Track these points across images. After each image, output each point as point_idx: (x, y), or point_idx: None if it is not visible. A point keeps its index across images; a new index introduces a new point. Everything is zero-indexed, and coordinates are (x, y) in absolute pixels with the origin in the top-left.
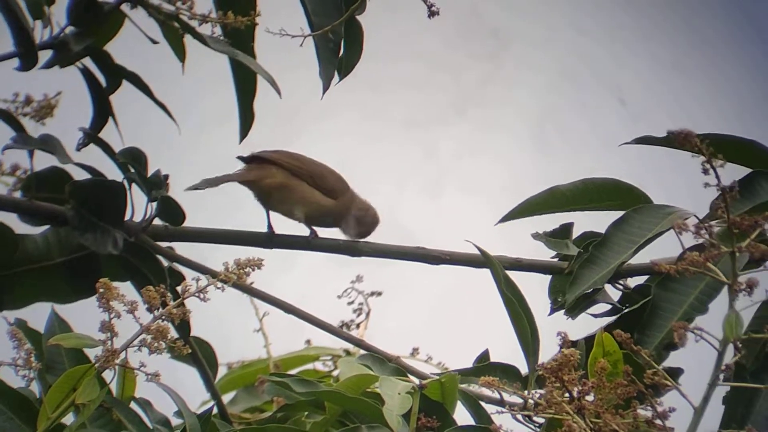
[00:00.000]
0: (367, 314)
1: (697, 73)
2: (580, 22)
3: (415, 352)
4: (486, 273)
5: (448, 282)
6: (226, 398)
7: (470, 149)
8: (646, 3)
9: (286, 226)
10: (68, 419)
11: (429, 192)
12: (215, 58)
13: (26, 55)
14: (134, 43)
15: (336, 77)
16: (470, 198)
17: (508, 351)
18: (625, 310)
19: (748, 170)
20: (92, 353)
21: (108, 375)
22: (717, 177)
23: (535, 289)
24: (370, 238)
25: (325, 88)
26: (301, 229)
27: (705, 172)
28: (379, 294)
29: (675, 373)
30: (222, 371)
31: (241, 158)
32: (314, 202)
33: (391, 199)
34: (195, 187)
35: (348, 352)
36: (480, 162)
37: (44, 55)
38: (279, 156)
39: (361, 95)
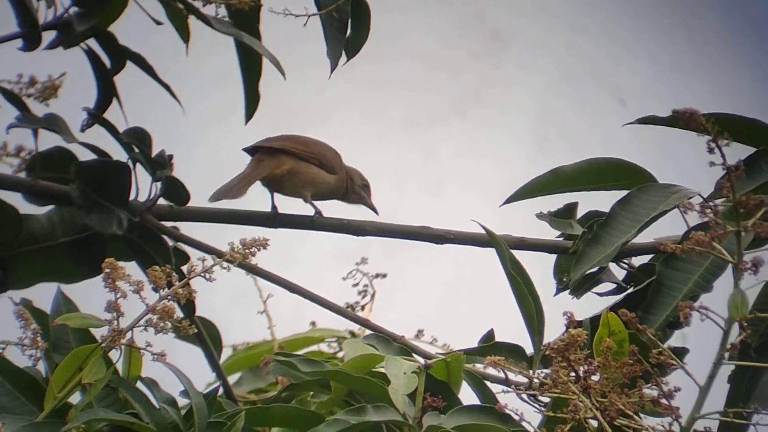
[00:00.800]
0: (372, 296)
1: (697, 73)
2: (580, 23)
3: (419, 333)
4: (489, 253)
5: (453, 263)
6: (231, 380)
7: (470, 149)
8: (646, 3)
9: (288, 205)
10: (75, 398)
11: (429, 192)
12: (221, 41)
13: (30, 35)
14: (138, 25)
15: (343, 57)
16: (470, 198)
17: (513, 331)
18: (630, 290)
19: (752, 150)
20: (98, 333)
21: (114, 355)
22: (722, 156)
23: (539, 269)
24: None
25: (333, 67)
26: (305, 209)
27: (710, 151)
28: (384, 276)
29: (680, 352)
30: (226, 353)
31: (246, 150)
32: (321, 181)
33: (390, 199)
34: (217, 199)
35: (353, 334)
36: (480, 162)
37: (48, 36)
38: (285, 143)
39: (362, 95)
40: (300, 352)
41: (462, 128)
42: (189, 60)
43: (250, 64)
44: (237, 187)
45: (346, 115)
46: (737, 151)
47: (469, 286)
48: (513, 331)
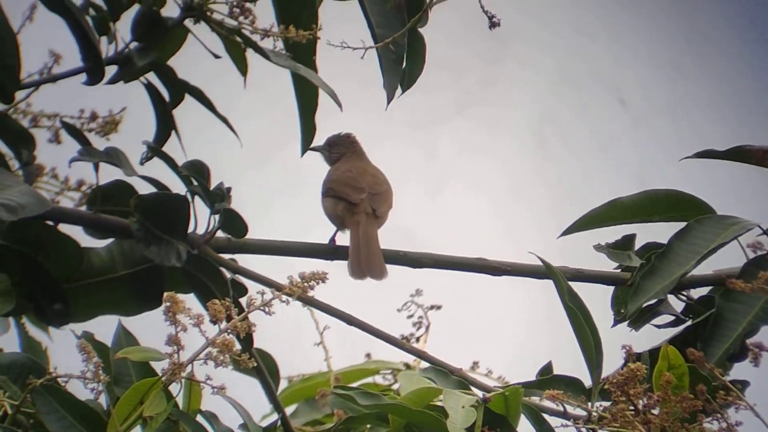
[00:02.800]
0: (427, 327)
1: (697, 73)
2: (581, 23)
3: (475, 365)
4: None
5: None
6: (287, 411)
7: (471, 149)
8: (646, 3)
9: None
10: None
11: (430, 191)
12: (276, 73)
13: (94, 70)
14: (197, 58)
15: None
16: (471, 197)
17: (571, 363)
18: (689, 322)
19: None
20: (158, 366)
21: (174, 388)
22: None
23: (596, 301)
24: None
25: (389, 99)
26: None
27: None
28: (439, 308)
29: (741, 385)
30: (282, 384)
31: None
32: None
33: None
34: (363, 278)
35: (408, 366)
36: (481, 162)
37: (109, 71)
38: (384, 187)
39: (362, 95)
40: (355, 384)
41: (463, 128)
42: (246, 93)
43: (306, 96)
44: (381, 266)
45: (347, 114)
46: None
47: (525, 318)
48: (571, 363)
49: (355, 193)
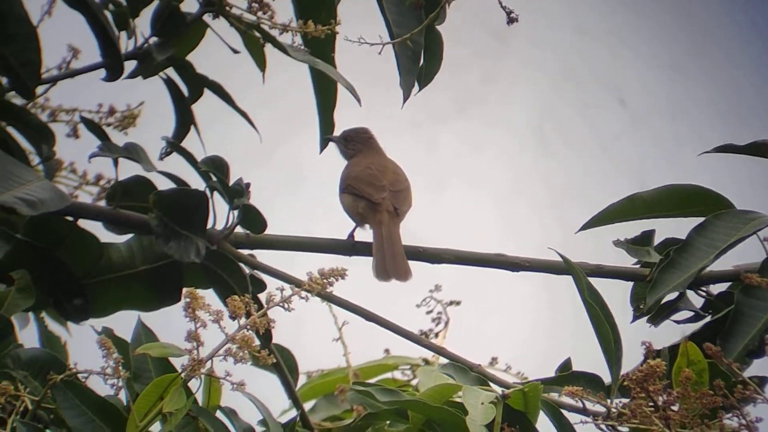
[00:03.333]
0: (446, 323)
1: (697, 73)
2: (581, 23)
3: (494, 361)
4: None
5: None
6: (305, 407)
7: (472, 147)
8: (647, 3)
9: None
10: (155, 428)
11: (431, 189)
12: (294, 68)
13: (113, 65)
14: (215, 53)
15: (416, 87)
16: (472, 194)
17: (590, 359)
18: (708, 318)
19: None
20: (178, 362)
21: (194, 384)
22: None
23: (615, 296)
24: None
25: (406, 97)
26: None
27: None
28: (458, 303)
29: (760, 382)
30: (301, 380)
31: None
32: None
33: None
34: (387, 280)
35: (427, 362)
36: (481, 160)
37: (128, 67)
38: (404, 184)
39: (363, 93)
40: (374, 380)
41: (464, 127)
42: (265, 88)
43: (325, 91)
44: (406, 267)
45: (348, 113)
46: None
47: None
48: (590, 360)
49: (376, 192)
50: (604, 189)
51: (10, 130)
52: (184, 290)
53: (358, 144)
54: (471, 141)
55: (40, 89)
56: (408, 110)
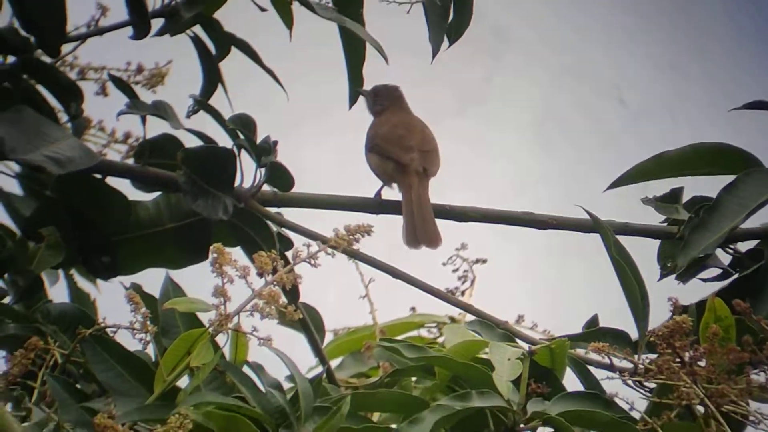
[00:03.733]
0: (473, 281)
1: (697, 73)
2: (581, 23)
3: (520, 319)
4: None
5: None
6: (332, 364)
7: (471, 147)
8: (646, 3)
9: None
10: (183, 382)
11: (431, 189)
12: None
13: (140, 23)
14: (243, 11)
15: (445, 42)
16: (472, 195)
17: (618, 316)
18: (736, 275)
19: None
20: (205, 317)
21: (221, 339)
22: None
23: (642, 254)
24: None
25: (435, 52)
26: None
27: None
28: (484, 261)
29: None
30: (328, 338)
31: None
32: None
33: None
34: (418, 247)
35: (453, 319)
36: (481, 160)
37: (155, 24)
38: (432, 144)
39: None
40: (400, 337)
41: (464, 126)
42: (292, 46)
43: (353, 49)
44: (436, 234)
45: (348, 111)
46: None
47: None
48: (617, 316)
49: (405, 153)
50: (604, 187)
51: (39, 88)
52: (212, 246)
53: (386, 101)
54: (471, 141)
55: (68, 47)
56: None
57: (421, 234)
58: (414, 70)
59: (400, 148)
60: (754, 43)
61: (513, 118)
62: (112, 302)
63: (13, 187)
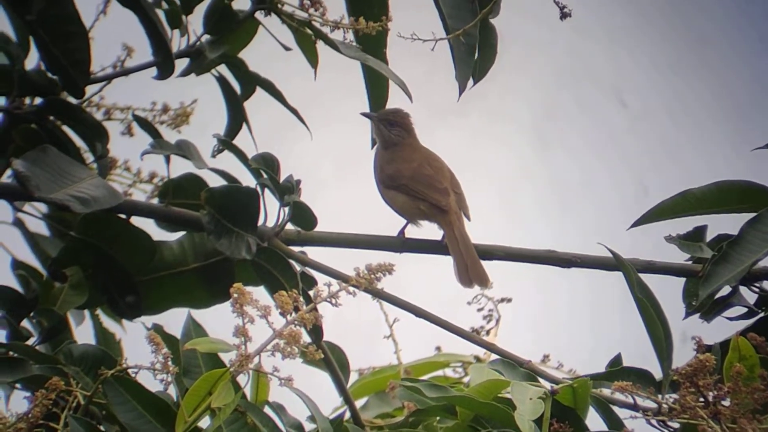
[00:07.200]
0: (497, 320)
1: (697, 73)
2: (580, 23)
3: (546, 358)
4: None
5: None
6: (357, 404)
7: (471, 146)
8: (646, 3)
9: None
10: (204, 422)
11: None
12: (347, 65)
13: (164, 64)
14: (267, 51)
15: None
16: (471, 194)
17: (641, 355)
18: (762, 314)
19: None
20: (227, 357)
21: (242, 379)
22: None
23: (667, 292)
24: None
25: (461, 90)
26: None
27: None
28: (509, 300)
29: None
30: (353, 377)
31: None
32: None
33: None
34: (470, 286)
35: (478, 359)
36: (480, 160)
37: (180, 64)
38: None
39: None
40: (425, 377)
41: (462, 128)
42: (316, 85)
43: (377, 87)
44: (485, 273)
45: (349, 111)
46: None
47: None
48: (641, 355)
49: (442, 197)
50: (604, 187)
51: (65, 128)
52: (232, 286)
53: (402, 131)
54: (470, 140)
55: (94, 87)
56: (408, 108)
57: (473, 274)
58: (414, 70)
59: (435, 191)
60: (754, 43)
61: (513, 120)
62: (138, 342)
63: (41, 228)
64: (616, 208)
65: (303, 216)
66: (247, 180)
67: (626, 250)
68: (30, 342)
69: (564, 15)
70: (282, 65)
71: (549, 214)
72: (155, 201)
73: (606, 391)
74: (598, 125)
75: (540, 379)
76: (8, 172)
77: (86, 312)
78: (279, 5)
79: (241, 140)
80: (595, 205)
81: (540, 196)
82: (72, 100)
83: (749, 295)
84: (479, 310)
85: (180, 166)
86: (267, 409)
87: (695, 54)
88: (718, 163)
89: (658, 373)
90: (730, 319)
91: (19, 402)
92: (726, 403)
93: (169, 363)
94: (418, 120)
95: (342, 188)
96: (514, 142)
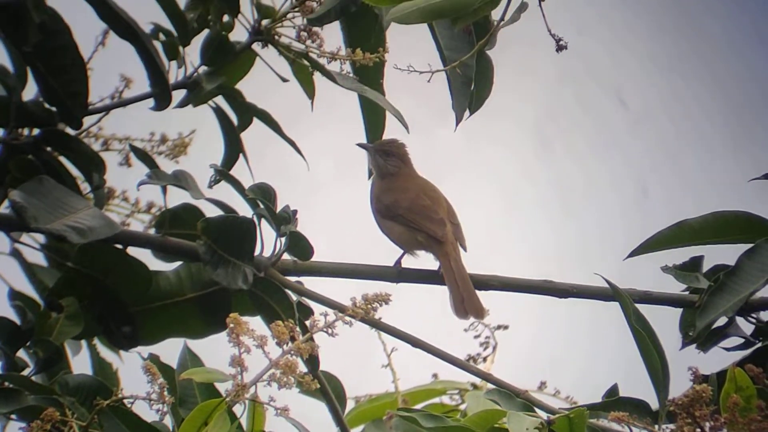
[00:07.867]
0: (494, 348)
1: (697, 73)
2: (581, 23)
3: (542, 385)
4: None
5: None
6: None
7: (471, 146)
8: (646, 3)
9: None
10: None
11: None
12: (343, 96)
13: (161, 95)
14: (264, 81)
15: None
16: (471, 194)
17: (638, 385)
18: (759, 344)
19: None
20: (223, 387)
21: (238, 409)
22: None
23: (664, 323)
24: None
25: (458, 120)
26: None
27: None
28: (506, 328)
29: None
30: (349, 405)
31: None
32: None
33: None
34: (466, 318)
35: (475, 386)
36: (480, 161)
37: (177, 95)
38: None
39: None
40: (422, 405)
41: (462, 128)
42: (313, 116)
43: (374, 118)
44: (481, 305)
45: (349, 110)
46: None
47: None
48: (637, 385)
49: (439, 228)
50: (604, 188)
51: (62, 159)
52: (228, 316)
53: (398, 161)
54: (470, 140)
55: (92, 118)
56: (406, 112)
57: (469, 306)
58: (413, 74)
59: (431, 222)
60: (754, 43)
61: (513, 121)
62: (135, 372)
63: (38, 259)
64: (616, 208)
65: (299, 246)
66: (244, 210)
67: (623, 277)
68: (26, 372)
69: (560, 48)
70: (279, 96)
71: (549, 214)
72: (152, 231)
73: (602, 422)
74: (598, 126)
75: (536, 409)
76: (5, 203)
77: (83, 342)
78: (276, 37)
79: (238, 170)
80: (595, 205)
81: (540, 196)
82: (70, 130)
83: (746, 326)
84: (476, 337)
85: (178, 196)
86: None
87: (696, 55)
88: (717, 164)
89: (654, 403)
90: (727, 349)
91: None
92: None
93: (165, 393)
94: (419, 120)
95: (340, 190)
96: (515, 143)
